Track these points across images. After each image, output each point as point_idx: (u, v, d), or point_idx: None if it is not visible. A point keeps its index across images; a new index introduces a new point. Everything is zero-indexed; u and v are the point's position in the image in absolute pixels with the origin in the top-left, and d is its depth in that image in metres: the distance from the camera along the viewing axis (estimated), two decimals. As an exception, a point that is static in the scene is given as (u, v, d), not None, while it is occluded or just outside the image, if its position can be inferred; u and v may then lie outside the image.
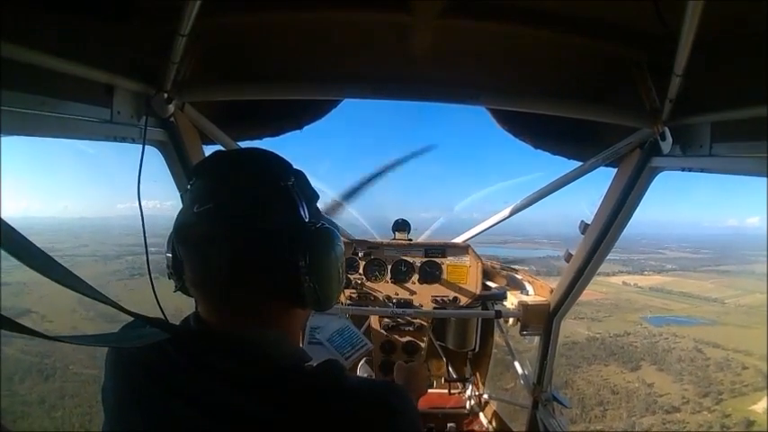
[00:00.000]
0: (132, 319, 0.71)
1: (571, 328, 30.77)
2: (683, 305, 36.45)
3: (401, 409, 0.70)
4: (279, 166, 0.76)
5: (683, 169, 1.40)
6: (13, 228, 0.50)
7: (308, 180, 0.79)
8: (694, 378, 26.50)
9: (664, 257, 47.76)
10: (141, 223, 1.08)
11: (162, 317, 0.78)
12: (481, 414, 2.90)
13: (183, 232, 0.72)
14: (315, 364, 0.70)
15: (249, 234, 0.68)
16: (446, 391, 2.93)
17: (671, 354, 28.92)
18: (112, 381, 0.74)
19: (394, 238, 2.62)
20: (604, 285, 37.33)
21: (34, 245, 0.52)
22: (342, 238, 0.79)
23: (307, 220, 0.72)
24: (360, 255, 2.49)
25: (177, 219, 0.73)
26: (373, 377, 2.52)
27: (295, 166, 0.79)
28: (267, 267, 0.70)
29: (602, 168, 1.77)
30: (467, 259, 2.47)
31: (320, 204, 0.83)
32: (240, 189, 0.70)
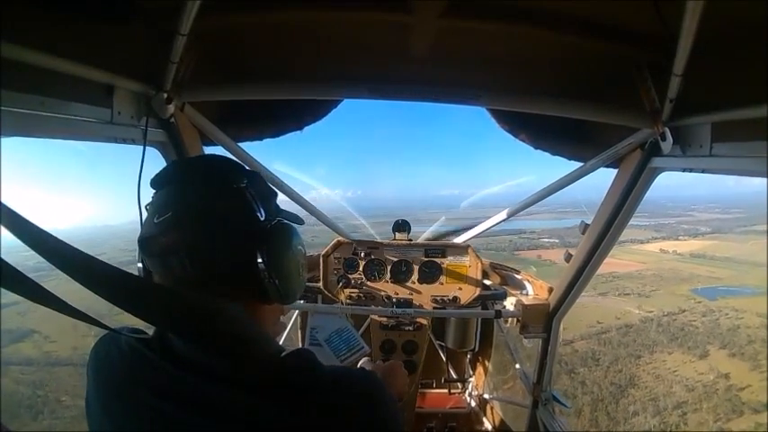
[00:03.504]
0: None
1: (620, 307, 28.75)
2: (732, 272, 33.89)
3: (379, 397, 0.71)
4: (231, 169, 0.80)
5: (684, 170, 1.39)
6: (8, 263, 0.53)
7: (262, 180, 0.83)
8: (774, 363, 23.35)
9: (695, 220, 45.57)
10: (140, 227, 1.08)
11: None
12: (481, 414, 2.90)
13: (147, 244, 0.74)
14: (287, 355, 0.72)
15: (208, 238, 0.71)
16: (446, 390, 2.93)
17: (738, 333, 26.08)
18: (96, 390, 0.75)
19: (394, 239, 2.62)
20: (641, 254, 35.11)
21: (30, 278, 0.55)
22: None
23: (263, 219, 0.75)
24: (360, 255, 2.49)
25: (141, 230, 0.76)
26: None
27: (249, 169, 0.83)
28: (229, 268, 0.73)
29: (602, 169, 1.77)
30: (467, 259, 2.47)
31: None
32: (195, 195, 0.74)
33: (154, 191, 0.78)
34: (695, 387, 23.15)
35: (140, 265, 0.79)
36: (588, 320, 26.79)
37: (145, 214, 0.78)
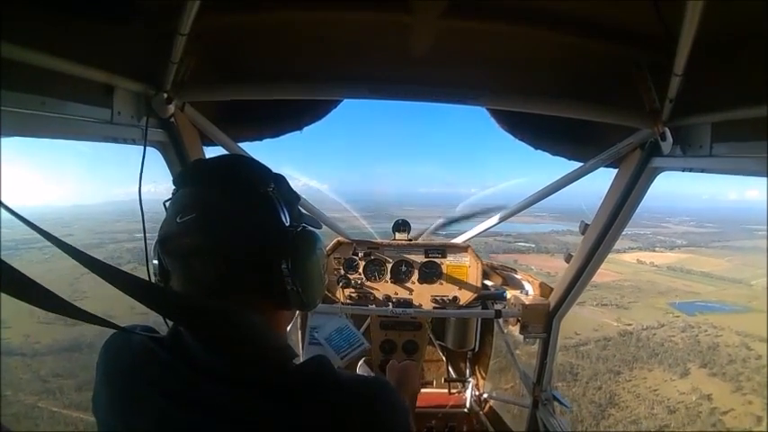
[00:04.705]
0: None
1: (598, 318, 27.92)
2: (709, 287, 33.38)
3: (382, 399, 0.71)
4: (258, 172, 0.79)
5: (684, 169, 1.40)
6: (10, 265, 0.51)
7: (287, 184, 0.82)
8: (755, 385, 22.51)
9: (670, 232, 45.64)
10: (142, 225, 1.07)
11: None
12: (481, 413, 2.90)
13: (168, 243, 0.73)
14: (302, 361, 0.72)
15: (232, 242, 0.70)
16: (446, 390, 2.93)
17: (718, 352, 25.34)
18: (105, 386, 0.74)
19: (394, 239, 2.62)
20: (618, 264, 35.15)
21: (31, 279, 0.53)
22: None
23: (288, 224, 0.74)
24: (360, 255, 2.49)
25: (161, 228, 0.74)
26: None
27: (275, 171, 0.81)
28: (251, 273, 0.72)
29: (602, 169, 1.77)
30: (467, 259, 2.47)
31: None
32: (221, 198, 0.72)
33: (175, 188, 0.77)
34: (677, 409, 22.03)
35: (156, 262, 0.77)
36: (566, 331, 25.34)
37: (146, 209, 0.77)
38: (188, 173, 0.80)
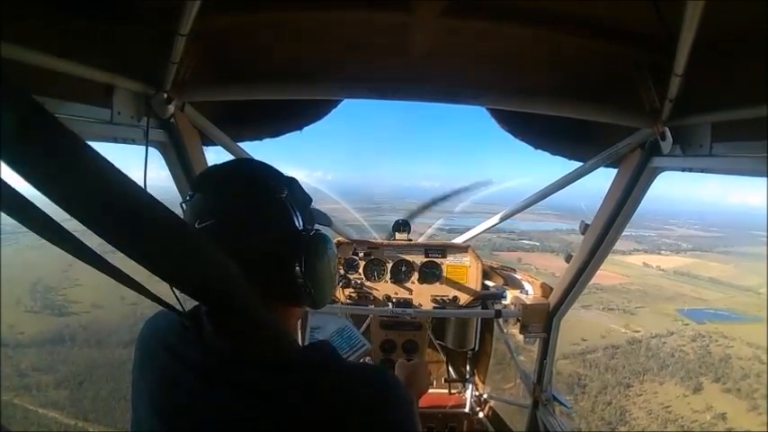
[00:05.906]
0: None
1: (605, 323, 26.95)
2: (717, 294, 32.18)
3: (393, 397, 0.73)
4: (274, 177, 0.82)
5: (684, 169, 1.40)
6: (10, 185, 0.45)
7: (301, 187, 0.86)
8: (772, 403, 20.78)
9: (675, 234, 44.78)
10: None
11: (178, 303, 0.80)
12: (481, 414, 2.90)
13: None
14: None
15: (249, 247, 0.74)
16: (446, 390, 2.93)
17: (730, 365, 24.08)
18: (140, 369, 0.81)
19: (394, 239, 2.62)
20: (624, 266, 33.99)
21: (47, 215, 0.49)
22: (333, 240, 0.85)
23: (301, 228, 0.79)
24: (360, 255, 2.49)
25: None
26: None
27: (287, 174, 0.85)
28: (265, 274, 0.76)
29: (602, 169, 1.77)
30: (466, 259, 2.47)
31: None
32: (239, 204, 0.76)
33: (192, 191, 0.79)
34: (692, 429, 20.78)
35: None
36: (572, 337, 24.67)
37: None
38: (206, 178, 0.83)
